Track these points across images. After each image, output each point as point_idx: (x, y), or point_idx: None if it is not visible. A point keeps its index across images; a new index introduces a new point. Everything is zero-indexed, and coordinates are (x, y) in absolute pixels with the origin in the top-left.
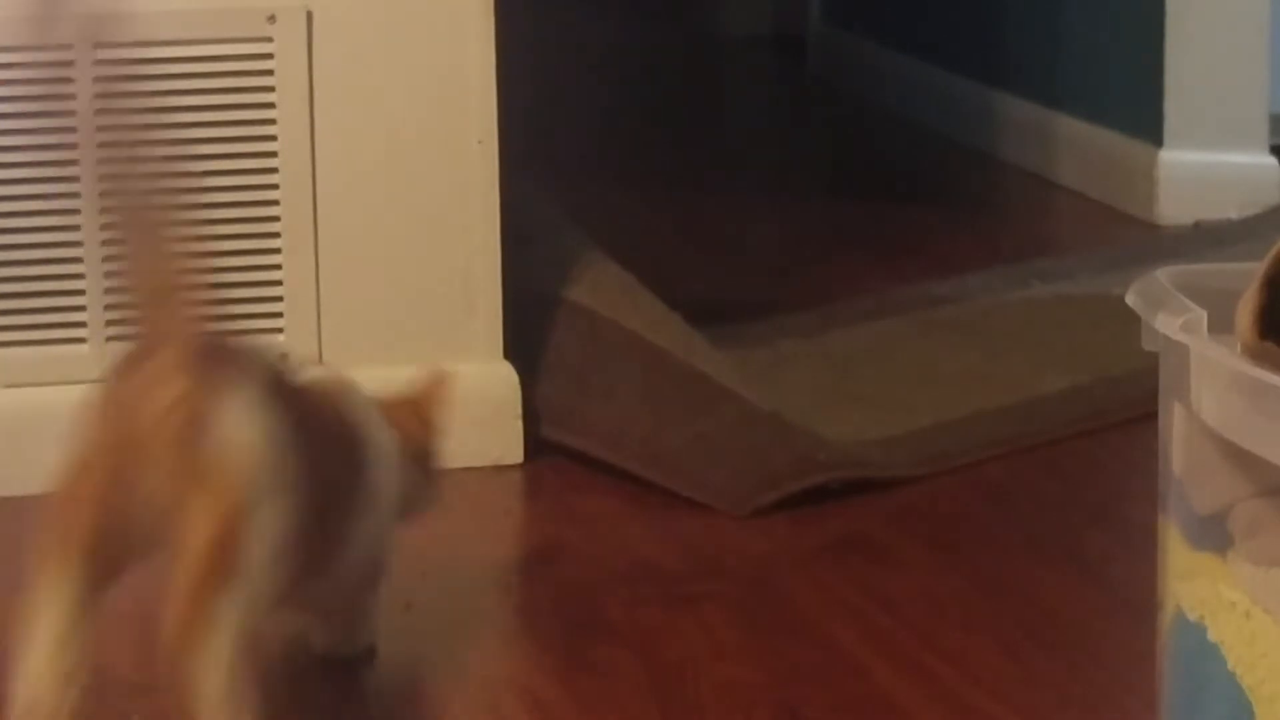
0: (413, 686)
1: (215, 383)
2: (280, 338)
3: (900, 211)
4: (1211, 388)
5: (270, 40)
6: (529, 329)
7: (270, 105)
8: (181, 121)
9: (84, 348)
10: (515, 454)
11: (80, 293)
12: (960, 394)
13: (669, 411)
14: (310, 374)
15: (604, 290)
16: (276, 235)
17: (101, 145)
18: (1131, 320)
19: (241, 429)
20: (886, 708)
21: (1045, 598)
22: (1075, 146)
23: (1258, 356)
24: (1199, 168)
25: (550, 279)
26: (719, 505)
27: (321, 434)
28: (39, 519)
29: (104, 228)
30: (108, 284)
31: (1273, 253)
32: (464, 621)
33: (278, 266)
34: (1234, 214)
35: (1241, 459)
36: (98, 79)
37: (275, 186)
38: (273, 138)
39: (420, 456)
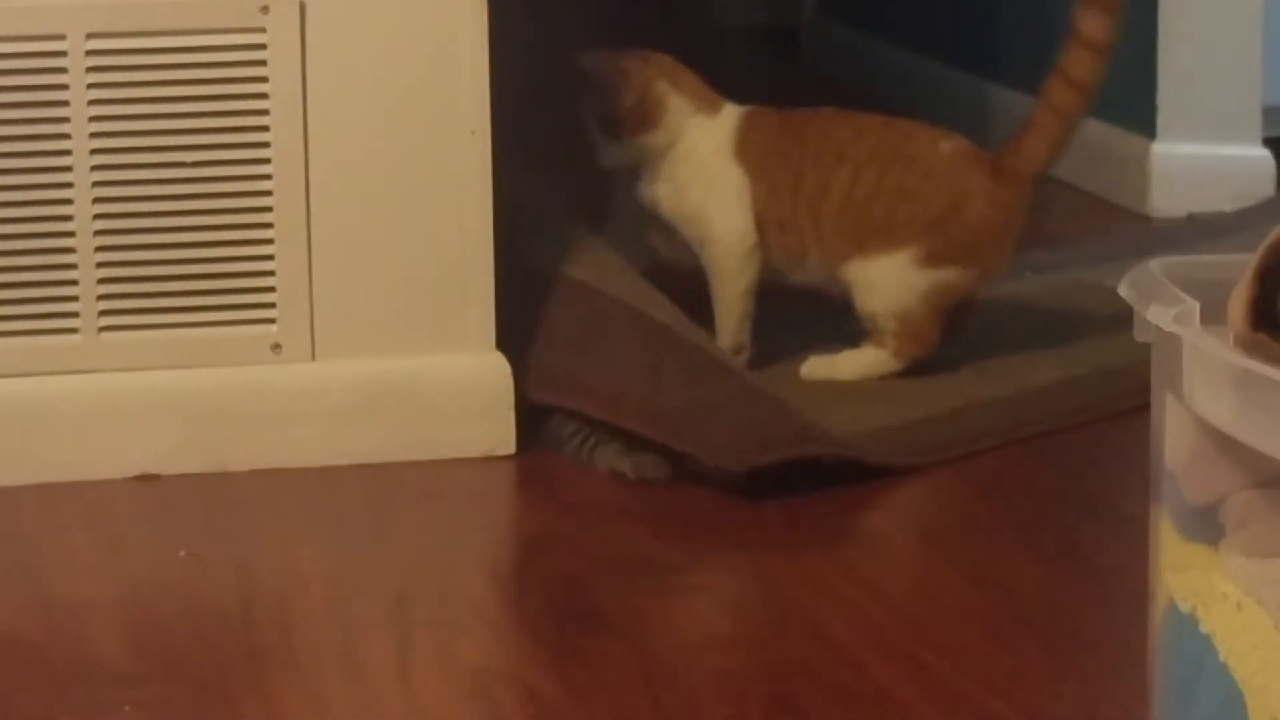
0: None
1: None
2: (273, 328)
3: None
4: (1204, 379)
5: (263, 31)
6: (526, 303)
7: (263, 96)
8: (174, 112)
9: (76, 338)
10: (508, 445)
11: (73, 283)
12: (953, 385)
13: (669, 377)
14: None
15: (604, 270)
16: (269, 226)
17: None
18: (1124, 311)
19: None
20: (879, 699)
21: (1038, 589)
22: None
23: (1250, 348)
24: (1192, 160)
25: (549, 258)
26: (715, 461)
27: None
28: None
29: (97, 218)
30: (100, 274)
31: (1265, 244)
32: (456, 611)
33: (270, 257)
34: (1227, 206)
35: (1234, 450)
36: (91, 68)
37: (268, 177)
38: (265, 128)
39: None
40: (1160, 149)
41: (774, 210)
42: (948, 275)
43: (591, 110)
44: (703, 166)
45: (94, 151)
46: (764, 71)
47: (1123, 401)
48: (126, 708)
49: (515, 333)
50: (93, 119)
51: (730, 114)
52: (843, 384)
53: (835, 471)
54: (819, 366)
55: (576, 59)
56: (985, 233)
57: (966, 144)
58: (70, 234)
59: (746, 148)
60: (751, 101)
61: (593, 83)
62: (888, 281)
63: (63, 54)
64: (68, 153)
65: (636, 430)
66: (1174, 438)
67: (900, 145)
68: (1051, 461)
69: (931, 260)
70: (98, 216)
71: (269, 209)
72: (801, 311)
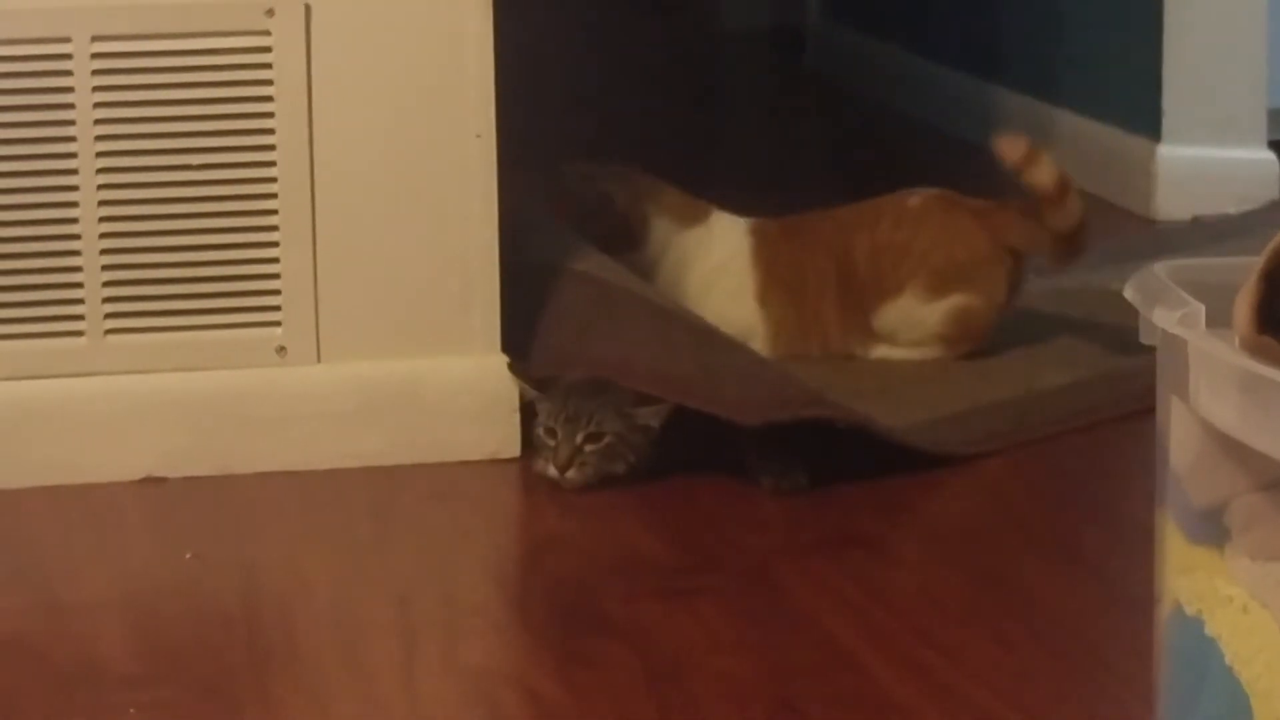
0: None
1: None
2: (278, 331)
3: None
4: (1209, 382)
5: (269, 34)
6: (529, 296)
7: (269, 99)
8: (180, 115)
9: (81, 340)
10: (512, 448)
11: (78, 285)
12: (958, 388)
13: (678, 346)
14: None
15: (610, 268)
16: (274, 229)
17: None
18: (1129, 314)
19: None
20: (882, 702)
21: (1042, 592)
22: (1073, 141)
23: (1255, 351)
24: (1197, 163)
25: (556, 255)
26: (730, 417)
27: None
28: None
29: (102, 220)
30: (105, 277)
31: (1270, 247)
32: (460, 614)
33: (275, 260)
34: (1232, 209)
35: (1239, 453)
36: (96, 71)
37: (273, 180)
38: (271, 131)
39: None
40: (1165, 152)
41: (789, 313)
42: (957, 300)
43: (585, 230)
44: (716, 273)
45: (99, 154)
46: (768, 74)
47: (1128, 404)
48: (131, 710)
49: (519, 332)
50: (98, 121)
51: (733, 224)
52: (846, 386)
53: (839, 469)
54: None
55: (561, 174)
56: (973, 264)
57: (936, 192)
58: (76, 236)
59: (759, 258)
60: (758, 104)
61: (582, 205)
62: (906, 322)
63: (68, 56)
64: (73, 155)
65: (647, 390)
66: (1179, 441)
67: (868, 214)
68: (1056, 464)
69: (933, 292)
70: (103, 219)
71: (274, 212)
72: None
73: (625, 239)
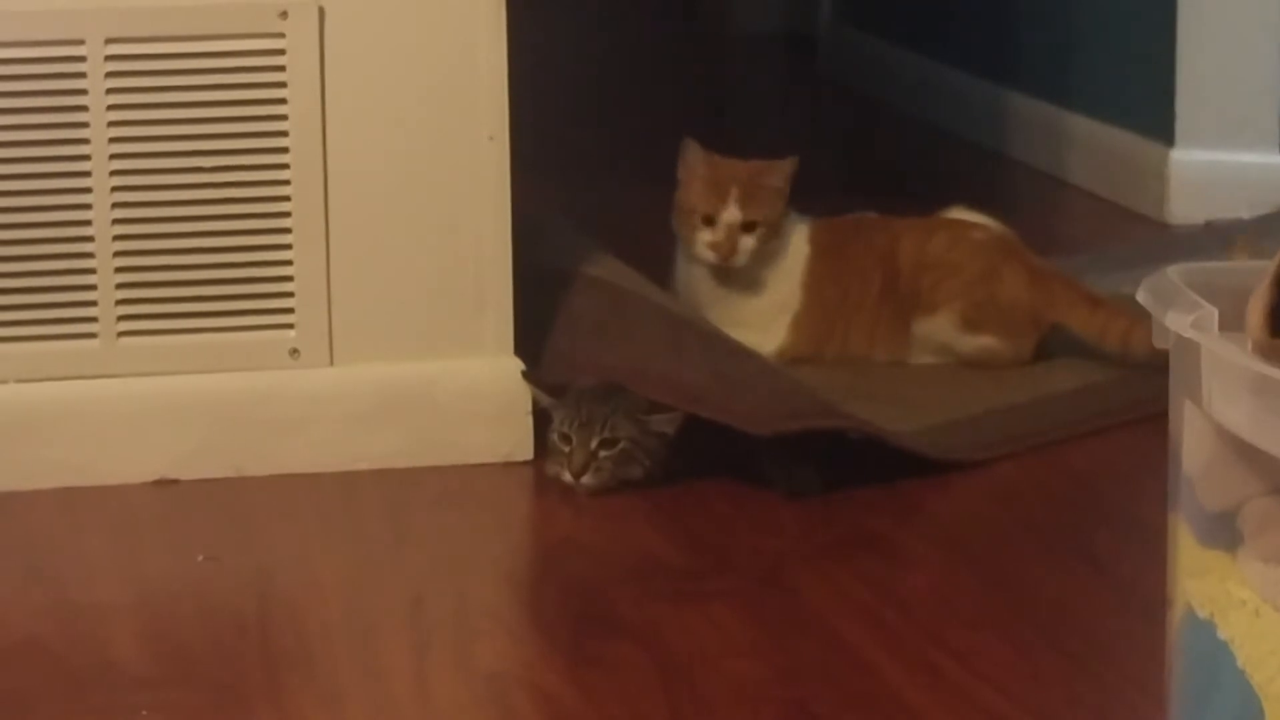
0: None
1: None
2: (291, 333)
3: (910, 210)
4: (1222, 385)
5: (282, 36)
6: (545, 297)
7: (282, 101)
8: (194, 117)
9: (94, 343)
10: (525, 450)
11: (91, 288)
12: (971, 392)
13: (691, 354)
14: None
15: (624, 273)
16: (288, 231)
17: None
18: (1143, 318)
19: None
20: (894, 704)
21: (1055, 595)
22: (1086, 145)
23: (1268, 354)
24: (1210, 167)
25: (569, 260)
26: (742, 427)
27: None
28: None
29: (115, 223)
30: (119, 279)
31: None
32: (473, 616)
33: (289, 262)
34: (1245, 213)
35: (1252, 457)
36: (110, 73)
37: (287, 182)
38: (284, 133)
39: None
40: (1178, 156)
41: (815, 335)
42: (987, 341)
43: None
44: (778, 275)
45: (113, 156)
46: (780, 78)
47: (1140, 408)
48: (144, 711)
49: (531, 336)
50: (111, 124)
51: (798, 226)
52: (858, 387)
53: (852, 472)
54: None
55: (694, 149)
56: (1010, 312)
57: (1000, 232)
58: (89, 239)
59: (809, 279)
60: (770, 108)
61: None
62: (936, 341)
63: (81, 59)
64: (86, 158)
65: (659, 399)
66: (1192, 444)
67: (923, 225)
68: (1069, 468)
69: (967, 325)
70: (116, 221)
71: (287, 214)
72: None
73: (780, 212)
